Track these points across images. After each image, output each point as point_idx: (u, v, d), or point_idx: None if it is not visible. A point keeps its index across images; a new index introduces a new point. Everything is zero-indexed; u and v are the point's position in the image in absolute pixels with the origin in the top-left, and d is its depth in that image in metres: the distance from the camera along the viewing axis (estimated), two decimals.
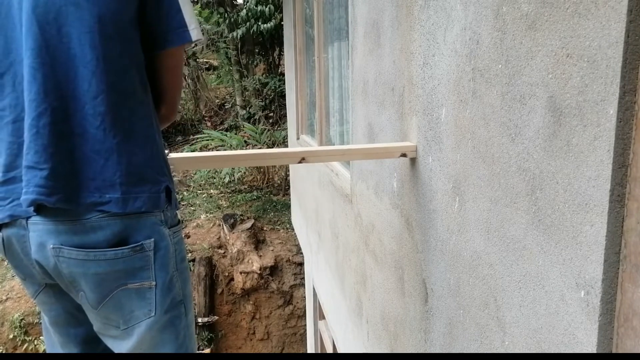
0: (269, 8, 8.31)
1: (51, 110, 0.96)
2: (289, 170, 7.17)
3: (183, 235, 1.14)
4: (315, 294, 4.61)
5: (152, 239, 1.03)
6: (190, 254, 6.69)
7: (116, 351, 1.10)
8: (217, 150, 8.16)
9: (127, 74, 1.00)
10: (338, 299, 3.11)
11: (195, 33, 1.07)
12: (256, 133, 8.47)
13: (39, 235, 1.00)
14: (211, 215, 7.82)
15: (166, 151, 1.16)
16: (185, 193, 8.23)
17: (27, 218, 1.00)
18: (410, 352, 1.67)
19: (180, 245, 1.11)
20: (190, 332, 1.15)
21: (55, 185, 0.96)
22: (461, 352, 1.25)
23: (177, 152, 5.12)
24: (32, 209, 0.98)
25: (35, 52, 0.96)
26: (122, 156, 0.99)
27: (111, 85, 0.97)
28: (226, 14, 8.82)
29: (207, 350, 6.39)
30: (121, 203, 0.99)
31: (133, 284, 1.03)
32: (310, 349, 5.30)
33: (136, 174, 1.01)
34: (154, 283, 1.04)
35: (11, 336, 6.84)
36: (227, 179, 8.55)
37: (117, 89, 0.98)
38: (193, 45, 1.14)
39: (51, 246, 0.99)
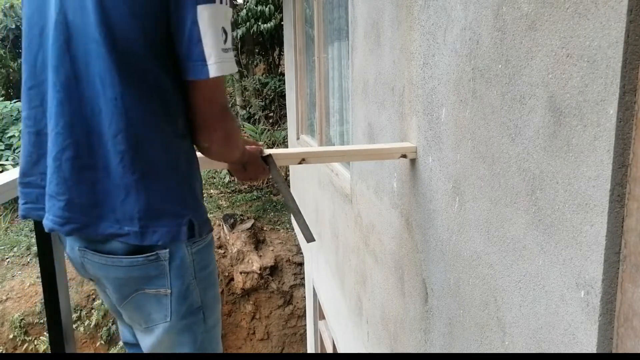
0: (269, 8, 8.31)
1: (75, 145, 0.99)
2: (289, 170, 7.16)
3: (208, 245, 1.11)
4: (315, 294, 4.61)
5: (167, 250, 1.03)
6: None
7: (141, 342, 1.15)
8: None
9: (147, 109, 0.98)
10: (338, 299, 3.11)
11: (214, 68, 0.95)
12: (256, 133, 8.47)
13: (69, 237, 1.08)
14: (211, 215, 7.82)
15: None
16: None
17: None
18: (410, 352, 1.67)
19: (200, 255, 1.08)
20: (211, 336, 1.15)
21: (70, 216, 1.01)
22: (461, 352, 1.25)
23: None
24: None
25: (64, 85, 0.98)
26: (140, 192, 0.99)
27: (130, 122, 0.97)
28: None
29: None
30: (140, 236, 1.00)
31: (150, 289, 1.05)
32: (310, 349, 5.30)
33: (155, 210, 1.01)
34: (169, 291, 1.05)
35: (11, 336, 6.84)
36: (227, 179, 8.55)
37: (137, 125, 0.97)
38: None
39: (77, 248, 1.06)
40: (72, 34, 0.96)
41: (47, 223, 1.04)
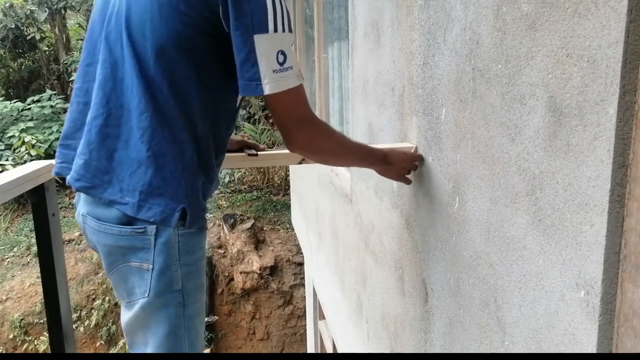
0: None
1: (106, 115, 1.13)
2: (289, 170, 7.17)
3: (197, 233, 1.16)
4: (315, 294, 4.61)
5: (155, 226, 1.10)
6: None
7: (122, 318, 1.20)
8: None
9: (171, 100, 1.09)
10: (338, 299, 3.11)
11: (269, 87, 1.05)
12: (256, 133, 8.47)
13: (78, 201, 1.21)
14: (211, 215, 7.83)
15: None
16: None
17: None
18: (410, 352, 1.68)
19: (187, 239, 1.14)
20: (190, 326, 1.16)
21: (84, 175, 1.14)
22: (461, 352, 1.25)
23: None
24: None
25: (112, 65, 1.13)
26: (149, 168, 1.09)
27: (155, 107, 1.08)
28: None
29: (207, 350, 6.40)
30: (135, 208, 1.09)
31: (135, 262, 1.12)
32: (310, 349, 5.30)
33: (158, 187, 1.09)
34: (151, 266, 1.11)
35: (11, 336, 6.84)
36: (227, 179, 8.56)
37: (161, 112, 1.09)
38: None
39: (82, 212, 1.18)
40: (130, 25, 1.10)
41: (68, 177, 1.19)
